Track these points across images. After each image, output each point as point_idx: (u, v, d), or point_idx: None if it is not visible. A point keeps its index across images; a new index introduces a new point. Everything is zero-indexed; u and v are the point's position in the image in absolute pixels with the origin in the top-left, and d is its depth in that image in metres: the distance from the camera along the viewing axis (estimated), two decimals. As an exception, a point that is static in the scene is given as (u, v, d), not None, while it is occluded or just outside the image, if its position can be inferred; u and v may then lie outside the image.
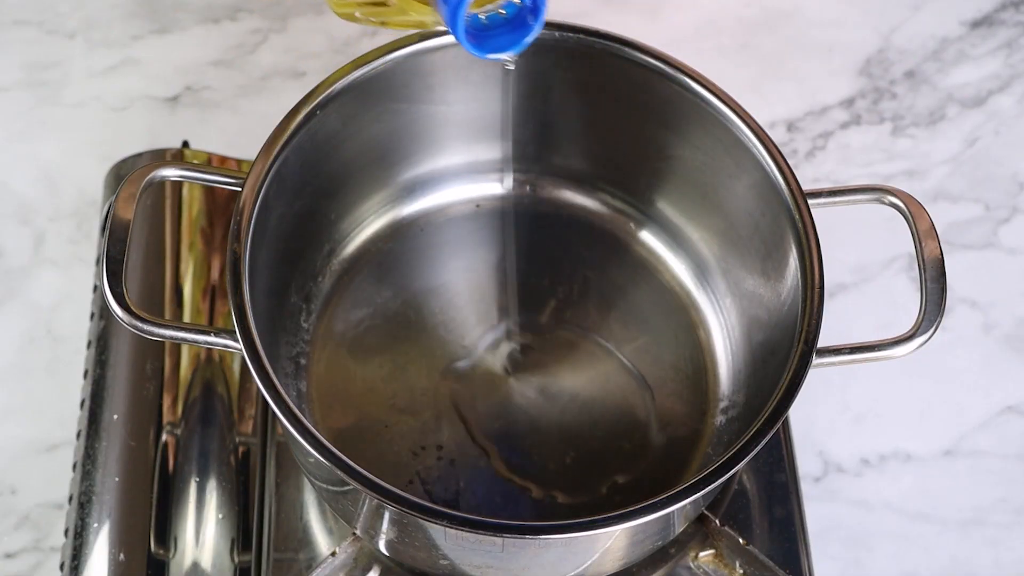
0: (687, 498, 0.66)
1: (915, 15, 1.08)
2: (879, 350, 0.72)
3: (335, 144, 0.80)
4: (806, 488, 0.87)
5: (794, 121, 1.03)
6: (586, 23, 0.79)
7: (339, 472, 0.65)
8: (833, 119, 1.03)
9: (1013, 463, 0.91)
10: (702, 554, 0.78)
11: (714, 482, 0.67)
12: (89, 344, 0.86)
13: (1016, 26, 1.08)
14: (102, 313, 0.86)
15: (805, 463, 0.89)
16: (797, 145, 1.01)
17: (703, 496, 0.68)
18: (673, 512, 0.66)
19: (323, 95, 0.76)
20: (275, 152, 0.74)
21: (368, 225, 0.87)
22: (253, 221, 0.72)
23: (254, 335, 0.68)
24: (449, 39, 0.78)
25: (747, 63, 1.05)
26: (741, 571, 0.77)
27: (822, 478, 0.90)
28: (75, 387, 0.88)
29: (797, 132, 1.02)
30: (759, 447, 0.67)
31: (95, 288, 0.88)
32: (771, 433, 0.68)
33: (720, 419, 0.82)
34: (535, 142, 0.87)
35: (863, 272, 0.96)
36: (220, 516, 0.81)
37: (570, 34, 0.79)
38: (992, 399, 0.93)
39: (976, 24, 1.08)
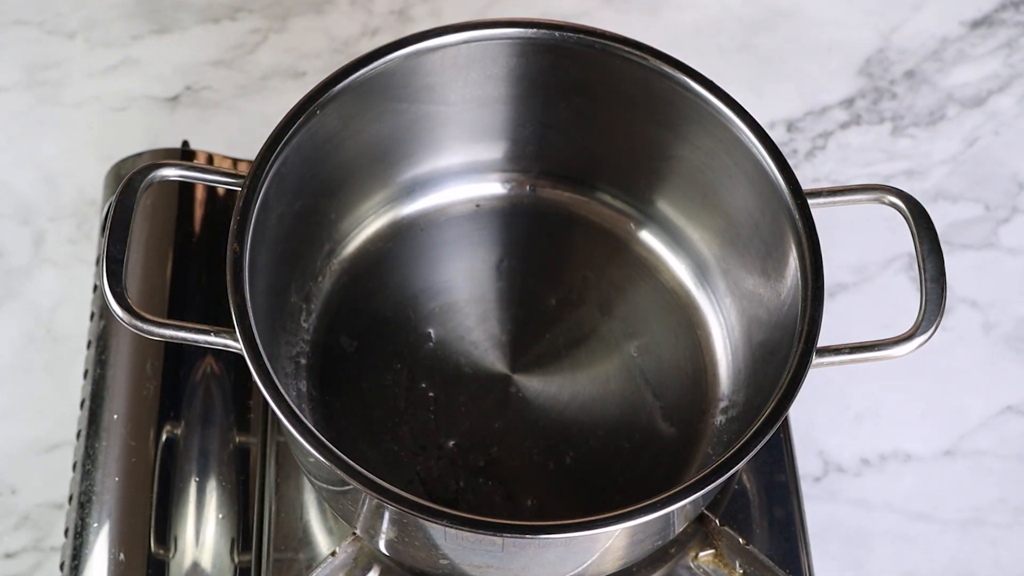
0: (687, 498, 0.66)
1: (915, 15, 1.08)
2: (879, 350, 0.72)
3: (335, 144, 0.80)
4: (806, 488, 0.87)
5: (794, 121, 1.03)
6: (586, 23, 0.79)
7: (339, 472, 0.65)
8: (833, 119, 1.03)
9: (1013, 463, 0.91)
10: (702, 554, 0.78)
11: (714, 482, 0.67)
12: (89, 344, 0.86)
13: (1016, 26, 1.08)
14: (102, 313, 0.86)
15: (805, 463, 0.89)
16: (797, 145, 1.01)
17: (703, 496, 0.68)
18: (673, 512, 0.66)
19: (323, 95, 0.76)
20: (275, 152, 0.74)
21: (368, 225, 0.87)
22: (253, 221, 0.72)
23: (255, 335, 0.68)
24: (449, 38, 0.78)
25: (747, 63, 1.05)
26: (741, 571, 0.77)
27: (822, 478, 0.90)
28: (75, 387, 0.88)
29: (797, 132, 1.02)
30: (759, 447, 0.67)
31: (95, 288, 0.88)
32: (771, 433, 0.68)
33: (720, 419, 0.82)
34: (535, 142, 0.87)
35: (863, 272, 0.96)
36: (220, 516, 0.81)
37: (570, 34, 0.79)
38: (992, 399, 0.93)
39: (976, 24, 1.08)
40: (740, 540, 0.77)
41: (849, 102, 1.04)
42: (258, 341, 0.68)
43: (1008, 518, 0.89)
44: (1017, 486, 0.90)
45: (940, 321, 0.71)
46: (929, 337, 0.71)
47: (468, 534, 0.65)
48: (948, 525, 0.88)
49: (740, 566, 0.77)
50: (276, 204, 0.75)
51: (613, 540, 0.71)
